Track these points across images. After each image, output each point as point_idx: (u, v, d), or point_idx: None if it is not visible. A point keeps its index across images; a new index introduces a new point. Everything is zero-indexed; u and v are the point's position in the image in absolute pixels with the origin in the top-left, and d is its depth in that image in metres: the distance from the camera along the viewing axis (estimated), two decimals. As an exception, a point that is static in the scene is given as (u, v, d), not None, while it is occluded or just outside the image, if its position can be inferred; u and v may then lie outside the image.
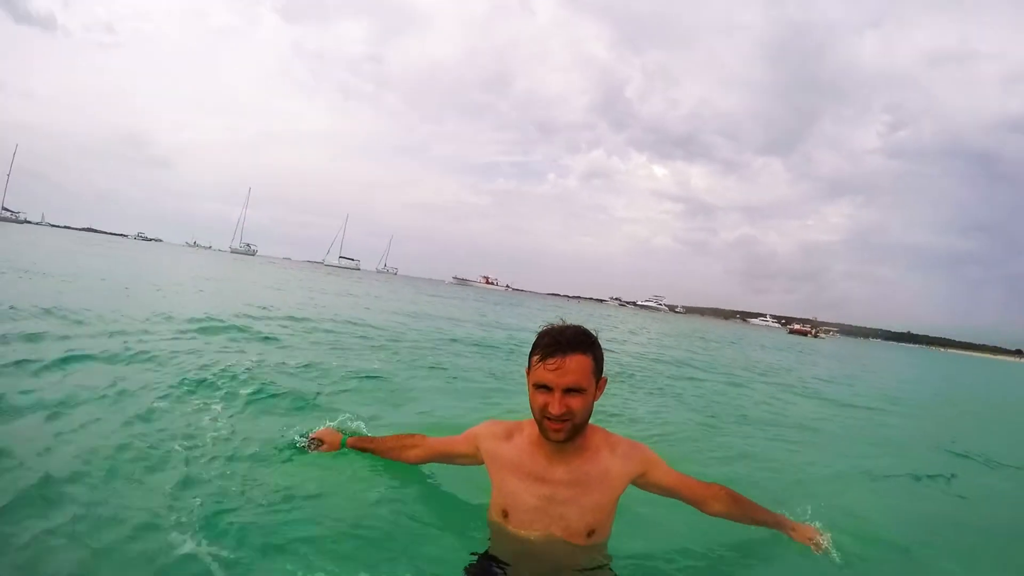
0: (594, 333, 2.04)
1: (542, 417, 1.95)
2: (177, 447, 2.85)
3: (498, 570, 2.03)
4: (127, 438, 2.91)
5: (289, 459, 2.90)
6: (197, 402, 3.67)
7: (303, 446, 2.96)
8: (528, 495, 2.10)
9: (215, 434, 3.12)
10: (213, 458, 2.80)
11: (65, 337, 5.10)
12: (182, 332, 6.33)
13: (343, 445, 2.86)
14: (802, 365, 16.81)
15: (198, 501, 2.29)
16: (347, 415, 3.23)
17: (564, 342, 1.93)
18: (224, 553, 1.97)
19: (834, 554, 2.26)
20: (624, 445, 2.19)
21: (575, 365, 1.91)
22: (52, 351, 4.42)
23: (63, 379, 3.82)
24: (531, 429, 2.10)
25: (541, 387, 1.93)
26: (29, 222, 71.49)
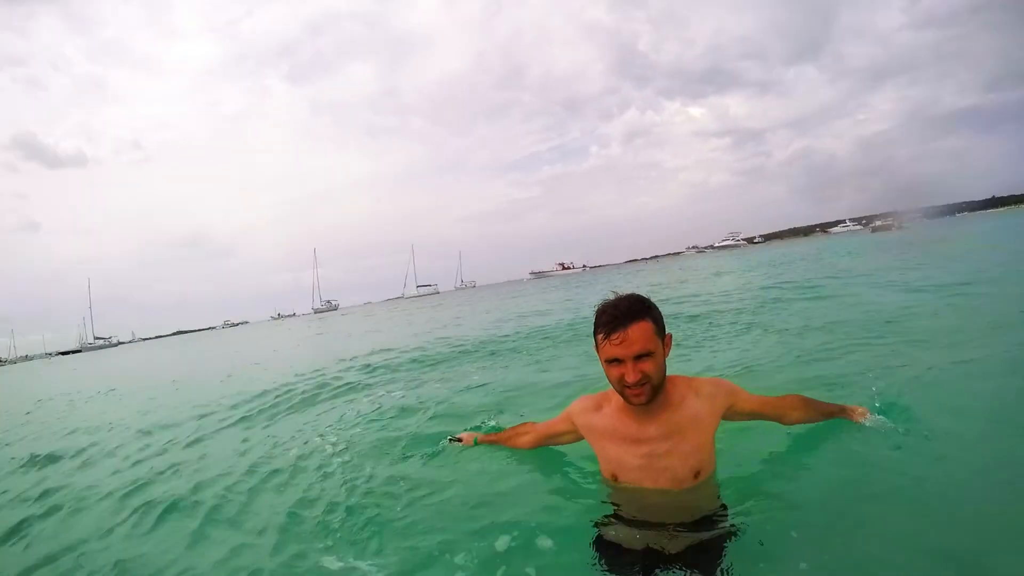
0: (647, 297, 2.15)
1: (622, 387, 2.09)
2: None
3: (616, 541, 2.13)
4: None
5: (433, 455, 3.46)
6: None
7: (449, 442, 3.54)
8: (630, 457, 2.24)
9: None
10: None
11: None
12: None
13: (475, 443, 3.36)
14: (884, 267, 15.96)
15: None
16: (486, 421, 3.81)
17: (621, 315, 2.05)
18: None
19: (887, 422, 2.64)
20: (707, 386, 2.31)
21: (638, 333, 2.03)
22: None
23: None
24: (617, 398, 2.21)
25: (613, 361, 2.06)
26: (122, 343, 76.34)
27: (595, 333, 2.15)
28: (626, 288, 2.35)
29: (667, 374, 2.18)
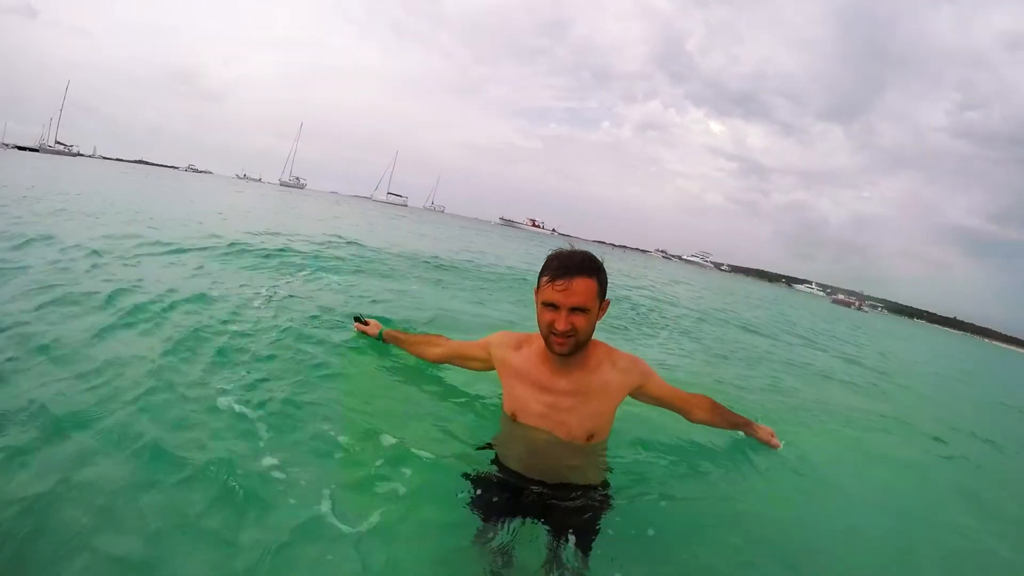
0: (600, 259, 2.22)
1: (548, 333, 2.14)
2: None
3: (497, 476, 2.23)
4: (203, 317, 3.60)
5: (342, 340, 3.41)
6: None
7: (355, 323, 3.44)
8: (534, 402, 2.30)
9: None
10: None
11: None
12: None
13: (380, 336, 3.26)
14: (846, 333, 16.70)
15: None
16: (397, 321, 3.76)
17: (572, 266, 2.11)
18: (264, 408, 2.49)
19: (783, 448, 2.81)
20: (624, 360, 2.38)
21: (581, 287, 2.09)
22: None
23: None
24: (539, 343, 2.28)
25: (549, 305, 2.12)
26: (81, 155, 72.60)
27: (541, 275, 2.18)
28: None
29: (593, 338, 2.27)
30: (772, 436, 2.82)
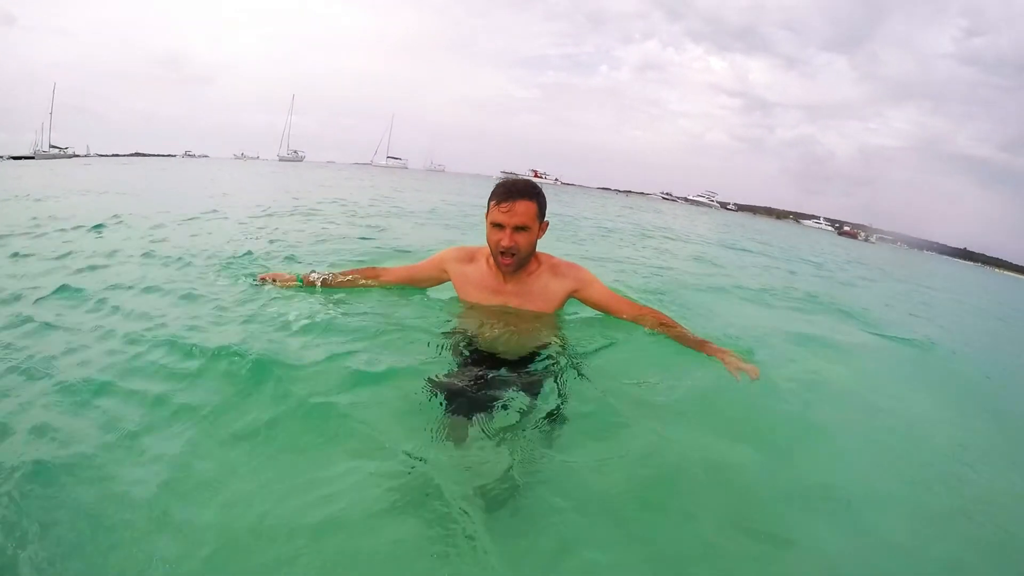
0: (539, 185, 2.61)
1: (496, 251, 2.55)
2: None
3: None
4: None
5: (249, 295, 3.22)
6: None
7: (256, 284, 3.29)
8: (487, 302, 2.75)
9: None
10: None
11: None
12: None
13: (299, 281, 3.17)
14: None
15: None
16: (316, 268, 3.48)
17: (514, 191, 2.50)
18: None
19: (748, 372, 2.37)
20: (563, 267, 2.79)
21: (522, 209, 2.48)
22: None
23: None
24: (487, 256, 2.71)
25: (496, 225, 2.50)
26: (77, 155, 71.84)
27: (489, 200, 2.55)
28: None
29: (543, 253, 2.76)
30: (740, 362, 2.46)
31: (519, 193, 2.51)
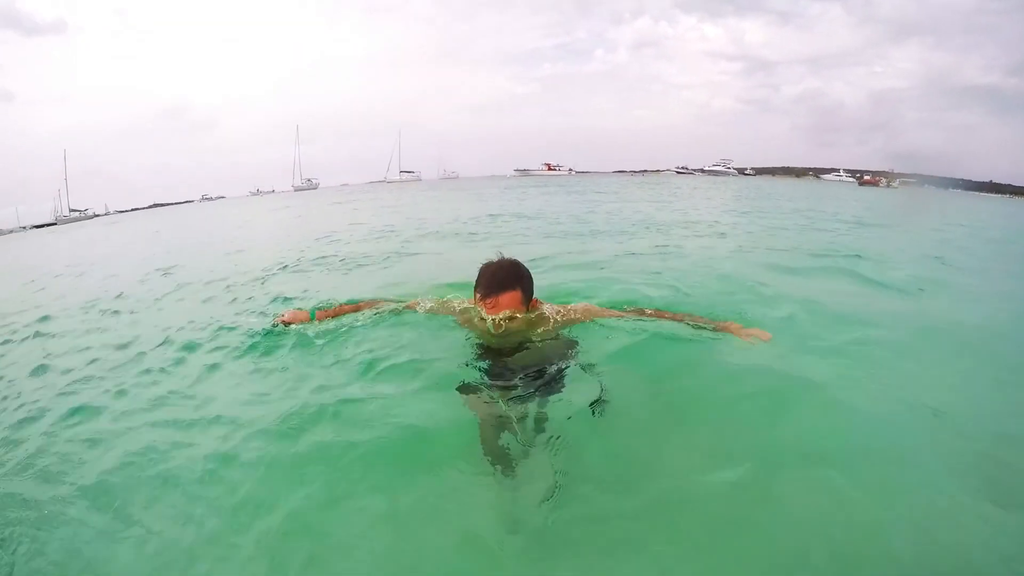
0: (524, 266, 2.71)
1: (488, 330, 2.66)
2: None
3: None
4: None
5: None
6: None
7: (275, 325, 3.41)
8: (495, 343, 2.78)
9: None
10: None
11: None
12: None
13: (312, 318, 3.34)
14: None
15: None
16: (324, 300, 3.89)
17: (495, 283, 2.59)
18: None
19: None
20: (564, 311, 2.88)
21: (507, 300, 2.58)
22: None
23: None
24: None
25: (482, 318, 2.64)
26: (97, 215, 73.64)
27: (475, 288, 2.67)
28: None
29: (542, 303, 2.85)
30: (747, 329, 2.81)
31: (500, 286, 2.58)
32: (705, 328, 2.97)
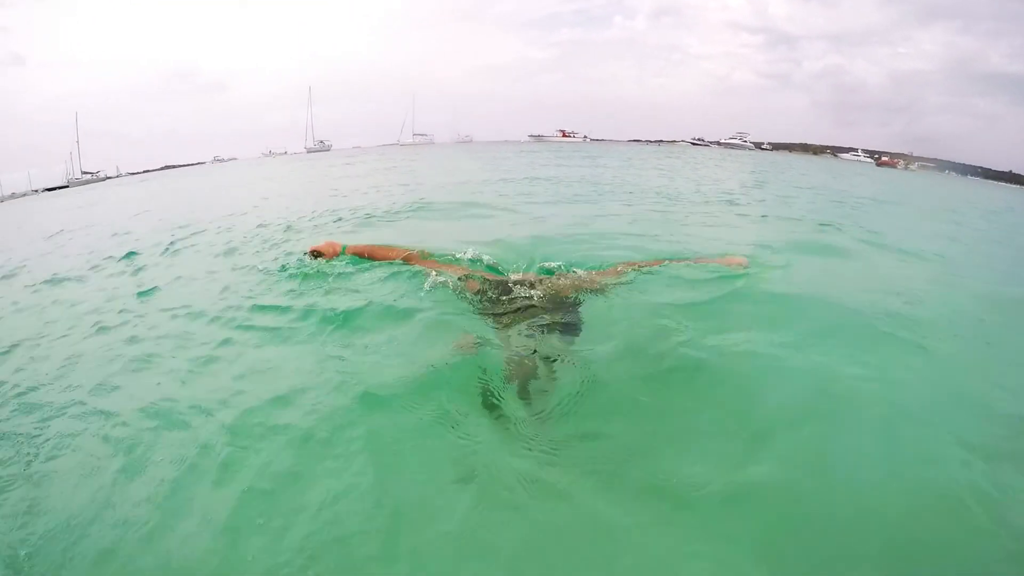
0: None
1: None
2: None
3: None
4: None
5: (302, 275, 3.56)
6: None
7: (304, 257, 3.49)
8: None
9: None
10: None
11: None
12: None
13: (343, 252, 3.34)
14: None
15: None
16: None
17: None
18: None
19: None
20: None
21: None
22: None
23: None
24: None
25: None
26: (109, 177, 72.64)
27: None
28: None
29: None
30: (730, 258, 3.23)
31: None
32: (692, 265, 3.31)
